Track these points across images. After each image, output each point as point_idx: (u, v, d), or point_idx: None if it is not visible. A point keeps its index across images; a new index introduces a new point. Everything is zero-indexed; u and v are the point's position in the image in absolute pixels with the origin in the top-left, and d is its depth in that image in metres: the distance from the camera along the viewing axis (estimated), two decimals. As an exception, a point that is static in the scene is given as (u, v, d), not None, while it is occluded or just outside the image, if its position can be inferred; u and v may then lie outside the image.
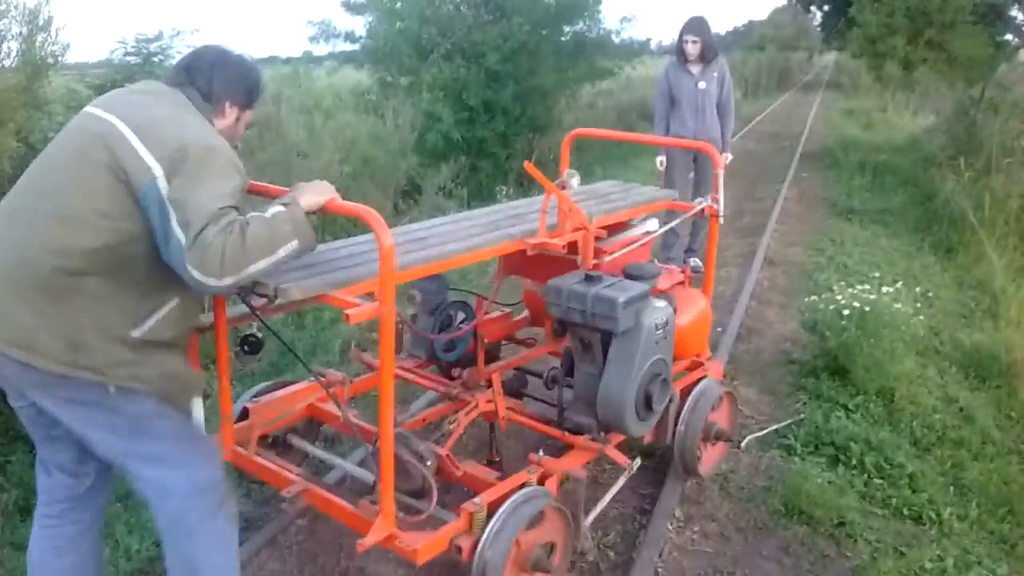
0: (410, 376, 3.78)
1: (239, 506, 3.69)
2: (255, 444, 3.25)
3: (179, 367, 2.51)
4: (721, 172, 3.91)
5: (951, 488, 4.21)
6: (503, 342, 4.17)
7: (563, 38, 16.21)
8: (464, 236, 3.20)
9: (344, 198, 2.61)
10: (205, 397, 2.75)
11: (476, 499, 2.79)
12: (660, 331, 3.16)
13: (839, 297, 5.31)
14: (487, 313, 3.89)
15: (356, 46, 15.38)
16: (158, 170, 2.27)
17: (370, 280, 2.65)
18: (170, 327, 2.43)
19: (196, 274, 2.20)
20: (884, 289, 5.46)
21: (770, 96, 33.97)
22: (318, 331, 5.90)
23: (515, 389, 3.83)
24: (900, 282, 6.19)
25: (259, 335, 2.98)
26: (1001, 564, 3.64)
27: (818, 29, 47.16)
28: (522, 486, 2.92)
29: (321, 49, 15.61)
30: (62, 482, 2.62)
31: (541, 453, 3.14)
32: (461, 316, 3.85)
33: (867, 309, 5.12)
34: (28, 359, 2.28)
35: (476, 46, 14.20)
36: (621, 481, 3.37)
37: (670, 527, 3.46)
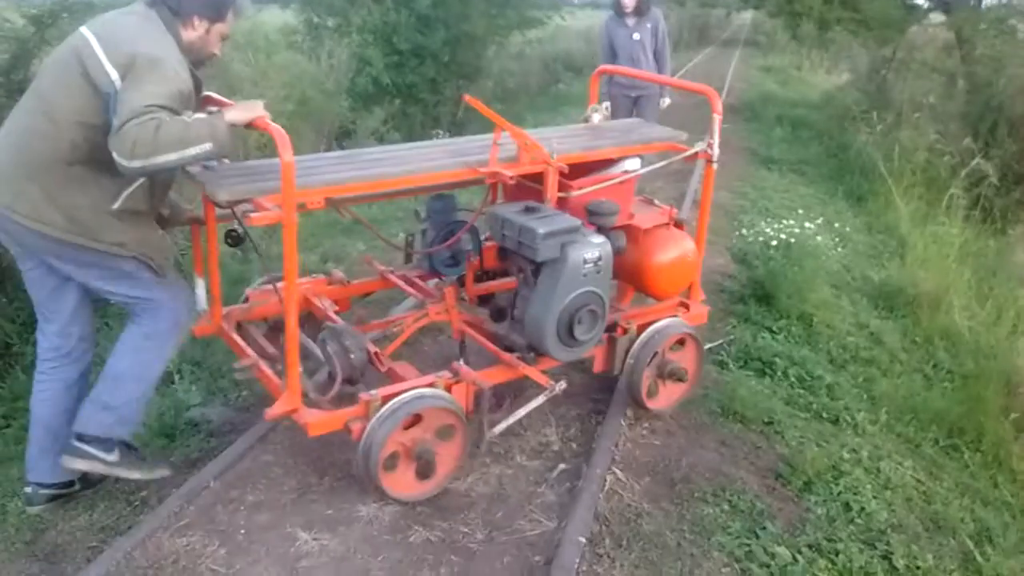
0: (398, 282, 4.04)
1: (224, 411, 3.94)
2: (234, 323, 3.69)
3: (150, 234, 3.14)
4: (718, 117, 3.78)
5: (864, 398, 4.70)
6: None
7: (493, -15, 16.29)
8: (417, 160, 3.47)
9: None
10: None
11: (374, 391, 3.14)
12: (590, 265, 3.26)
13: (767, 230, 5.74)
14: (490, 239, 3.99)
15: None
16: (115, 75, 2.79)
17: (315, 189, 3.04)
18: (140, 201, 3.04)
19: (115, 156, 2.69)
20: (806, 224, 5.91)
21: (691, 51, 34.54)
22: (334, 237, 6.66)
23: (495, 311, 3.99)
24: (820, 219, 6.66)
25: (239, 230, 3.43)
26: (907, 459, 4.14)
27: (737, -13, 47.87)
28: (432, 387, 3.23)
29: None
30: (53, 344, 3.25)
31: (461, 361, 3.45)
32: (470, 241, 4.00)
33: (792, 240, 5.55)
34: (40, 228, 2.93)
35: (406, -12, 14.19)
36: (539, 400, 3.43)
37: (623, 423, 3.82)
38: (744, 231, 6.50)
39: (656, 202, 4.07)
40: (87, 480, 3.43)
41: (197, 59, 3.12)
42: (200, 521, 3.16)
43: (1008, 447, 4.76)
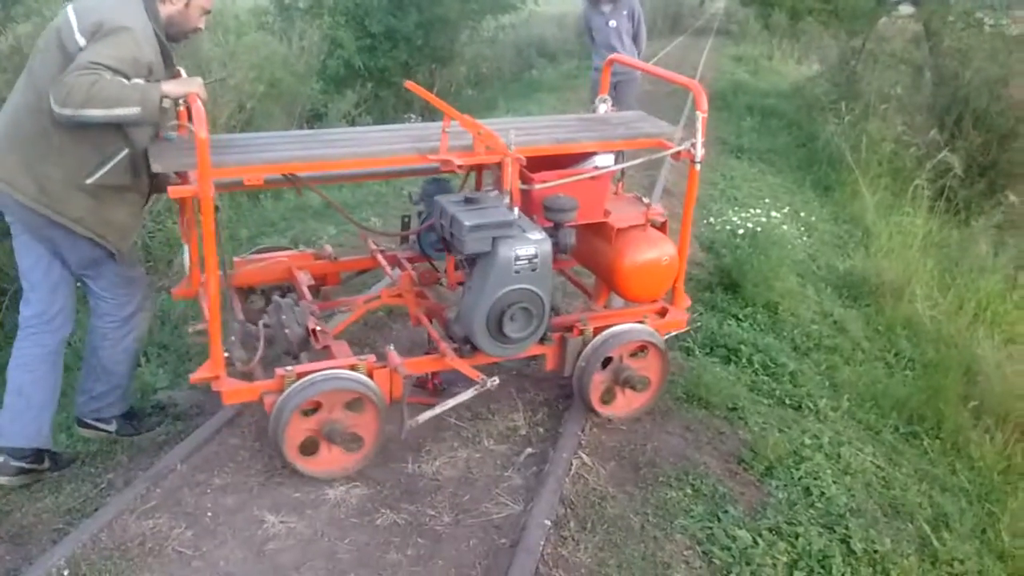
0: (381, 261, 4.05)
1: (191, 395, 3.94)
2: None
3: (116, 213, 3.22)
4: (702, 115, 3.60)
5: (826, 385, 4.78)
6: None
7: (466, -31, 16.22)
8: (374, 143, 3.49)
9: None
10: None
11: (290, 367, 3.22)
12: (523, 261, 3.21)
13: (735, 219, 5.80)
14: None
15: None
16: (82, 42, 2.96)
17: (231, 167, 3.14)
18: (121, 175, 3.13)
19: (51, 102, 2.86)
20: (773, 214, 5.98)
21: (664, 39, 34.60)
22: (305, 221, 6.70)
23: None
24: (787, 209, 6.74)
25: (217, 204, 3.41)
26: (867, 445, 4.23)
27: (710, -24, 48.00)
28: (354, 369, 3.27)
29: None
30: (35, 311, 3.34)
31: (391, 347, 3.45)
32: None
33: (758, 230, 5.62)
34: (13, 195, 3.09)
35: (380, -29, 14.09)
36: (468, 394, 3.41)
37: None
38: (712, 219, 6.56)
39: (645, 200, 3.94)
40: (56, 460, 3.47)
41: (179, 32, 3.29)
42: (167, 503, 3.17)
43: (966, 434, 4.88)
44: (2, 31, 7.34)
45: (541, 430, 3.71)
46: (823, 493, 3.54)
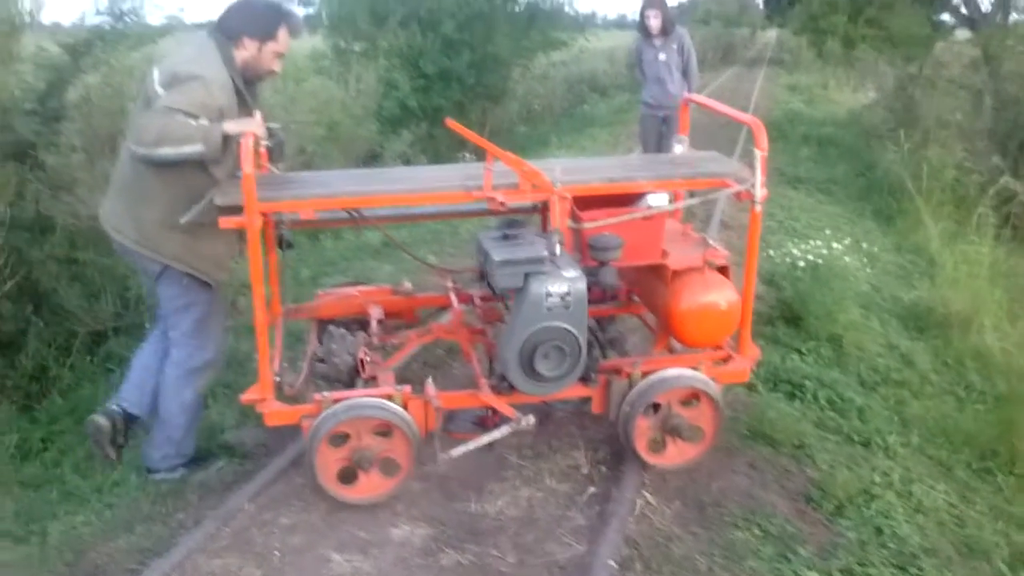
0: (452, 298, 4.02)
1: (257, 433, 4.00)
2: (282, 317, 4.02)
3: (211, 247, 3.43)
4: (761, 154, 3.43)
5: (895, 420, 4.67)
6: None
7: (517, 8, 16.44)
8: (425, 180, 3.55)
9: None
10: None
11: (327, 393, 3.34)
12: (555, 298, 3.20)
13: (795, 251, 5.73)
14: None
15: (310, 11, 15.44)
16: (161, 91, 3.25)
17: (280, 202, 3.29)
18: (211, 212, 3.22)
19: (129, 142, 3.23)
20: (834, 245, 5.90)
21: (716, 71, 34.56)
22: (364, 260, 6.91)
23: None
24: (848, 239, 6.65)
25: (285, 235, 3.83)
26: (939, 482, 4.12)
27: (760, 6, 47.97)
28: (390, 399, 3.35)
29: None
30: (159, 324, 3.75)
31: (430, 379, 3.51)
32: None
33: (820, 262, 5.55)
34: (119, 239, 3.45)
35: (433, 13, 14.34)
36: (503, 430, 3.45)
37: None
38: (771, 252, 6.49)
39: (711, 242, 3.80)
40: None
41: (255, 75, 3.52)
42: (236, 543, 3.21)
43: (1042, 470, 4.72)
44: (72, 82, 7.62)
45: (603, 469, 3.68)
46: (895, 532, 3.45)
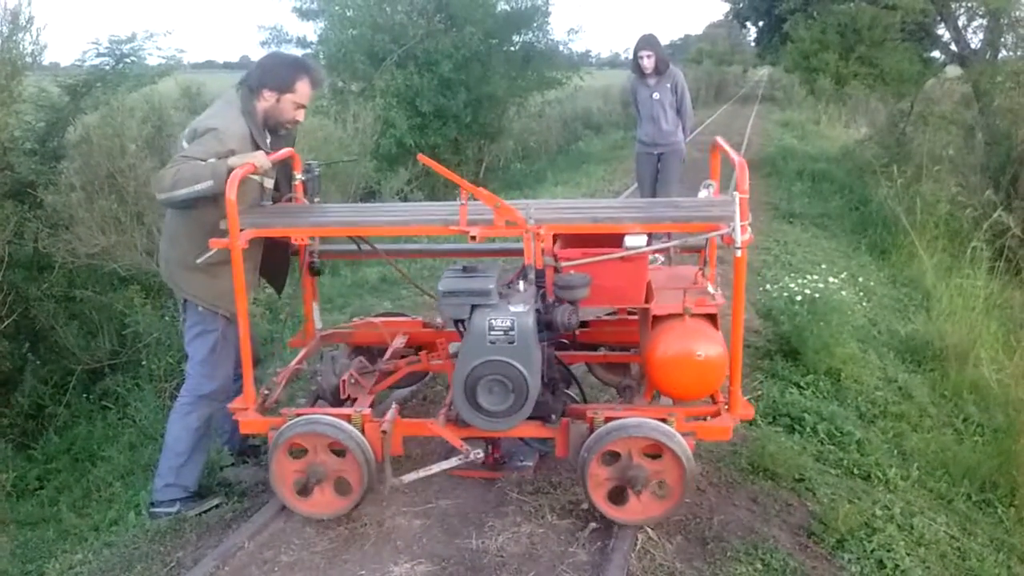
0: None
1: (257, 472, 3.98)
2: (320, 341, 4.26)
3: (225, 287, 3.50)
4: (740, 197, 3.21)
5: (894, 453, 4.67)
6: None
7: (513, 48, 16.62)
8: (415, 215, 3.73)
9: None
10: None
11: (293, 408, 3.57)
12: (498, 332, 3.20)
13: (792, 285, 5.76)
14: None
15: (308, 51, 15.58)
16: (185, 145, 3.57)
17: (271, 228, 3.54)
18: (226, 253, 3.37)
19: (152, 189, 3.60)
20: (830, 279, 5.93)
21: (709, 108, 34.93)
22: (362, 296, 7.06)
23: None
24: (844, 274, 6.69)
25: (316, 262, 4.09)
26: (940, 514, 4.11)
27: (752, 44, 48.50)
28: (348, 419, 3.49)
29: (264, 53, 15.90)
30: None
31: (395, 405, 3.65)
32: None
33: (816, 296, 5.57)
34: (161, 276, 3.99)
35: (429, 54, 14.50)
36: (452, 462, 3.52)
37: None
38: (768, 286, 6.52)
39: (711, 288, 3.58)
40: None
41: (277, 124, 3.75)
42: (235, 582, 3.19)
43: (1042, 502, 4.71)
44: (72, 122, 7.68)
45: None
46: (897, 566, 3.44)
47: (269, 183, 3.77)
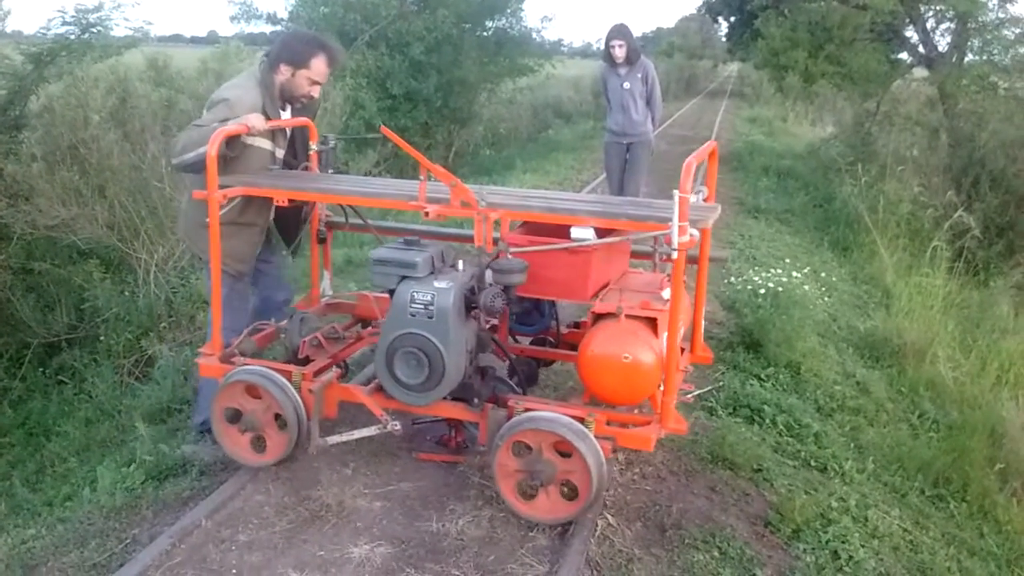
0: None
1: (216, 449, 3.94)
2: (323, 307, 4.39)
3: (236, 246, 3.82)
4: (681, 196, 3.00)
5: (851, 446, 4.74)
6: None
7: (486, 33, 16.57)
8: (376, 188, 3.82)
9: None
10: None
11: (244, 358, 3.75)
12: (418, 306, 3.23)
13: (756, 279, 5.81)
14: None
15: (279, 29, 15.40)
16: (204, 113, 3.81)
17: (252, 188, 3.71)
18: (234, 215, 3.73)
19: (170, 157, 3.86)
20: (793, 274, 5.99)
21: (679, 101, 35.07)
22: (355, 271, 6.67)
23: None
24: (807, 269, 6.76)
25: (321, 229, 4.22)
26: (894, 507, 4.18)
27: (723, 39, 48.77)
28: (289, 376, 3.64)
29: (234, 29, 15.67)
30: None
31: (333, 370, 3.75)
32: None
33: (780, 290, 5.62)
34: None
35: (401, 36, 14.39)
36: (370, 430, 3.58)
37: (614, 468, 3.84)
38: (732, 279, 6.57)
39: (664, 295, 3.43)
40: None
41: (292, 97, 3.92)
42: (191, 560, 3.16)
43: (993, 497, 4.81)
44: (35, 91, 7.53)
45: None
46: (851, 557, 3.49)
47: (280, 151, 3.97)
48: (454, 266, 3.46)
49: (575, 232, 3.40)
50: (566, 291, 3.51)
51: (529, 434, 3.30)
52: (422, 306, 3.25)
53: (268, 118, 3.78)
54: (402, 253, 3.36)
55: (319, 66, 3.88)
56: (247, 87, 3.85)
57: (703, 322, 4.09)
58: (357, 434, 3.60)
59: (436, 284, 3.27)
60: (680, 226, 3.02)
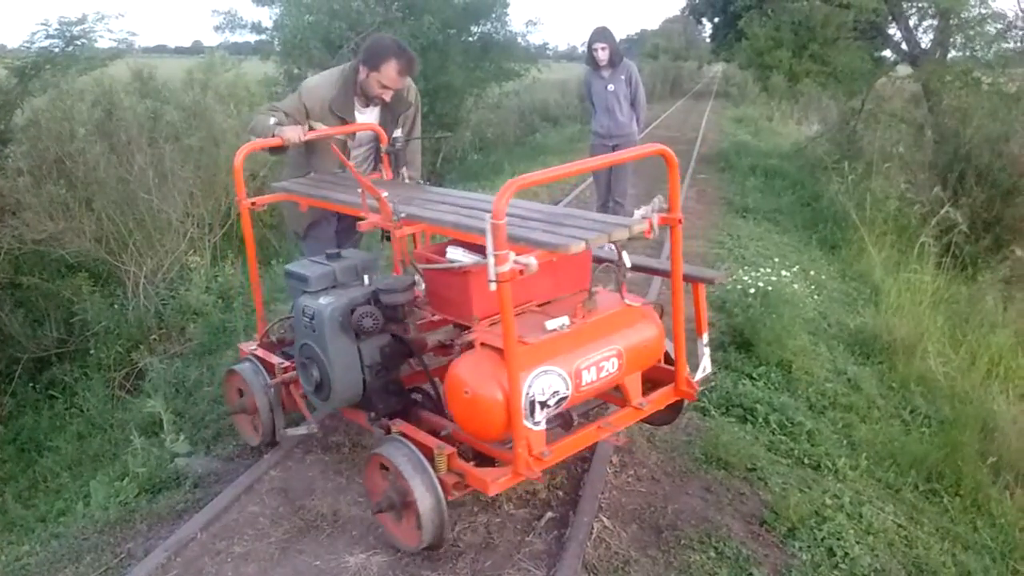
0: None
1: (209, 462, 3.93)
2: None
3: (295, 217, 4.37)
4: (493, 222, 2.61)
5: (844, 443, 4.75)
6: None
7: (471, 38, 16.55)
8: (341, 192, 3.96)
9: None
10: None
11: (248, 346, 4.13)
12: (307, 319, 3.32)
13: (745, 278, 5.83)
14: None
15: (263, 37, 15.38)
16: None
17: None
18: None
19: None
20: (783, 273, 6.01)
21: (664, 103, 35.14)
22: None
23: None
24: (796, 267, 6.78)
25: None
26: (888, 503, 4.19)
27: (707, 40, 48.87)
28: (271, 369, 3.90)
29: (218, 38, 15.63)
30: None
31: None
32: None
33: (769, 289, 5.64)
34: None
35: (386, 42, 14.37)
36: (300, 430, 3.73)
37: (608, 471, 3.84)
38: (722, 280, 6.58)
39: (559, 322, 3.09)
40: None
41: (368, 95, 4.30)
42: (187, 573, 3.15)
43: (986, 491, 4.83)
44: (19, 105, 7.50)
45: (560, 493, 3.69)
46: (847, 554, 3.50)
47: (355, 152, 4.43)
48: (362, 282, 3.54)
49: (450, 253, 3.33)
50: (457, 311, 3.33)
51: (384, 458, 3.16)
52: (309, 319, 3.35)
53: (335, 113, 4.22)
54: (304, 268, 3.51)
55: (389, 72, 4.17)
56: (327, 81, 4.28)
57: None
58: (301, 430, 3.74)
59: (320, 300, 3.35)
60: (497, 255, 2.62)
